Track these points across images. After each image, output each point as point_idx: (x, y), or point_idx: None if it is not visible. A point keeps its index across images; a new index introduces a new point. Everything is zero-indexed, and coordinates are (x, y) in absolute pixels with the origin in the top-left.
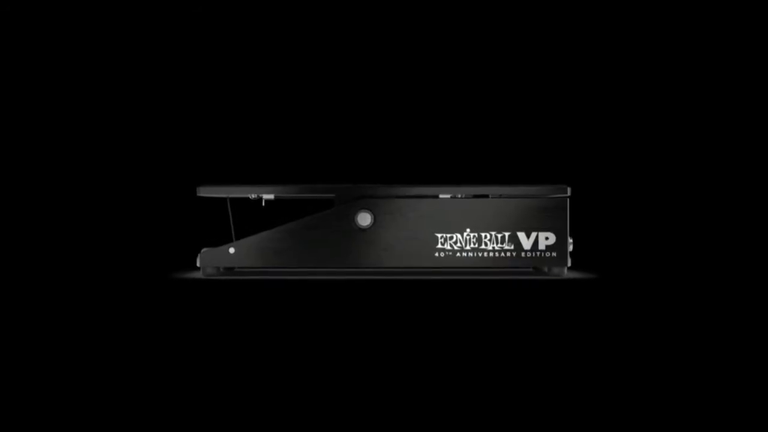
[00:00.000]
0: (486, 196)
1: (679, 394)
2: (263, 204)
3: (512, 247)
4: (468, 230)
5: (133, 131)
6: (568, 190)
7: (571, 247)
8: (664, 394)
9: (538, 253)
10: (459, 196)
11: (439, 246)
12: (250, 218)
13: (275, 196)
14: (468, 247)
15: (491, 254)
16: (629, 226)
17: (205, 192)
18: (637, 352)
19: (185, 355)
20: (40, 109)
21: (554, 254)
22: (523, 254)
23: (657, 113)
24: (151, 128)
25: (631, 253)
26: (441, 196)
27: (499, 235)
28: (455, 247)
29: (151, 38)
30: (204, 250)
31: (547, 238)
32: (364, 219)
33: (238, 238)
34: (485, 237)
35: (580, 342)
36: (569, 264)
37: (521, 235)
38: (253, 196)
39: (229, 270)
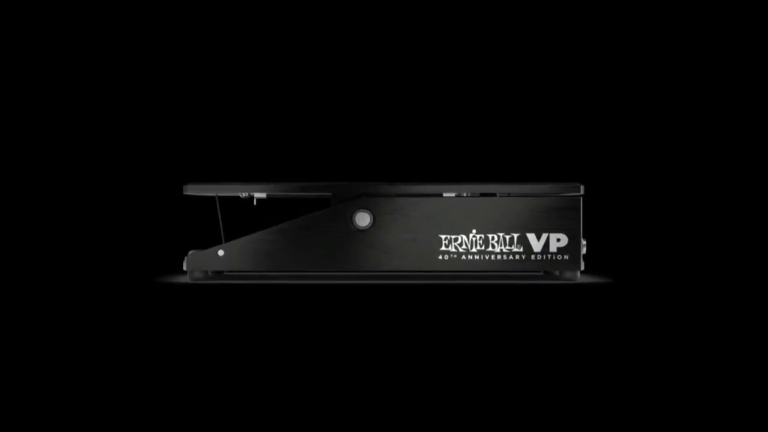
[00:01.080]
0: (493, 195)
1: (696, 405)
2: (255, 203)
3: (521, 250)
4: (474, 231)
5: (115, 126)
6: (582, 188)
7: (584, 250)
8: (681, 403)
9: (549, 256)
10: (464, 194)
11: (443, 248)
12: (241, 218)
13: (267, 195)
14: (474, 250)
15: (499, 257)
16: (646, 227)
17: (193, 190)
18: (653, 360)
19: (171, 365)
20: (21, 104)
21: (566, 257)
22: (532, 257)
23: (676, 108)
24: (135, 123)
25: (648, 256)
26: (445, 194)
27: (508, 237)
28: (460, 250)
29: (137, 34)
30: (191, 252)
31: (558, 240)
32: (363, 219)
33: (227, 240)
34: (492, 238)
35: (593, 350)
36: (582, 267)
37: (531, 237)
38: (243, 194)
39: (218, 274)
